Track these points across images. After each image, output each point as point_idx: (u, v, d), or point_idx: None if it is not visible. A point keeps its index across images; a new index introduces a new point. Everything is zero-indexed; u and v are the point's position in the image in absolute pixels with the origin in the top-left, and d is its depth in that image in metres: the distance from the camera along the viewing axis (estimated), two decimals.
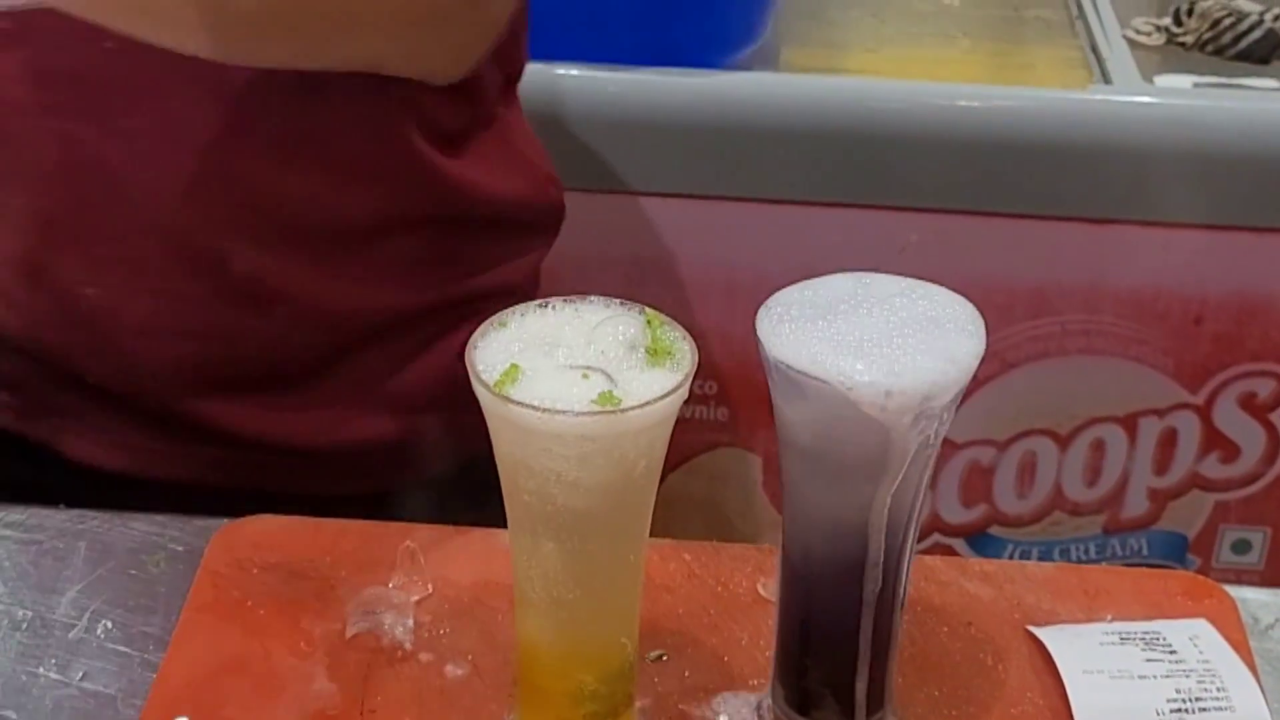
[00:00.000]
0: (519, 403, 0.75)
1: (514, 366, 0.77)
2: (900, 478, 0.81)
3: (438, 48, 1.04)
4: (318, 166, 1.06)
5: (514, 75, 1.19)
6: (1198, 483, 1.90)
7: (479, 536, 1.01)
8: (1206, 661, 0.91)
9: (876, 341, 0.78)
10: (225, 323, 1.09)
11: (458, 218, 1.13)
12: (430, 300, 1.14)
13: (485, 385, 0.76)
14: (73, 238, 1.05)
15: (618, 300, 0.82)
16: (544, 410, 0.75)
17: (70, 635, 0.95)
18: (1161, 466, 1.89)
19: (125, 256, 1.06)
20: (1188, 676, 0.90)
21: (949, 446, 1.86)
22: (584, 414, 0.74)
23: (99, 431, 1.13)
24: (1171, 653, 0.92)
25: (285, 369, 1.11)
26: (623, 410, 0.75)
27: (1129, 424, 1.86)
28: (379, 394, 1.15)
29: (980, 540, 1.93)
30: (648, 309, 0.81)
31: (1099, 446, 1.88)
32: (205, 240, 1.06)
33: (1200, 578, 1.01)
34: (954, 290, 0.83)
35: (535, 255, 1.21)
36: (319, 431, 1.14)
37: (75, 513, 1.05)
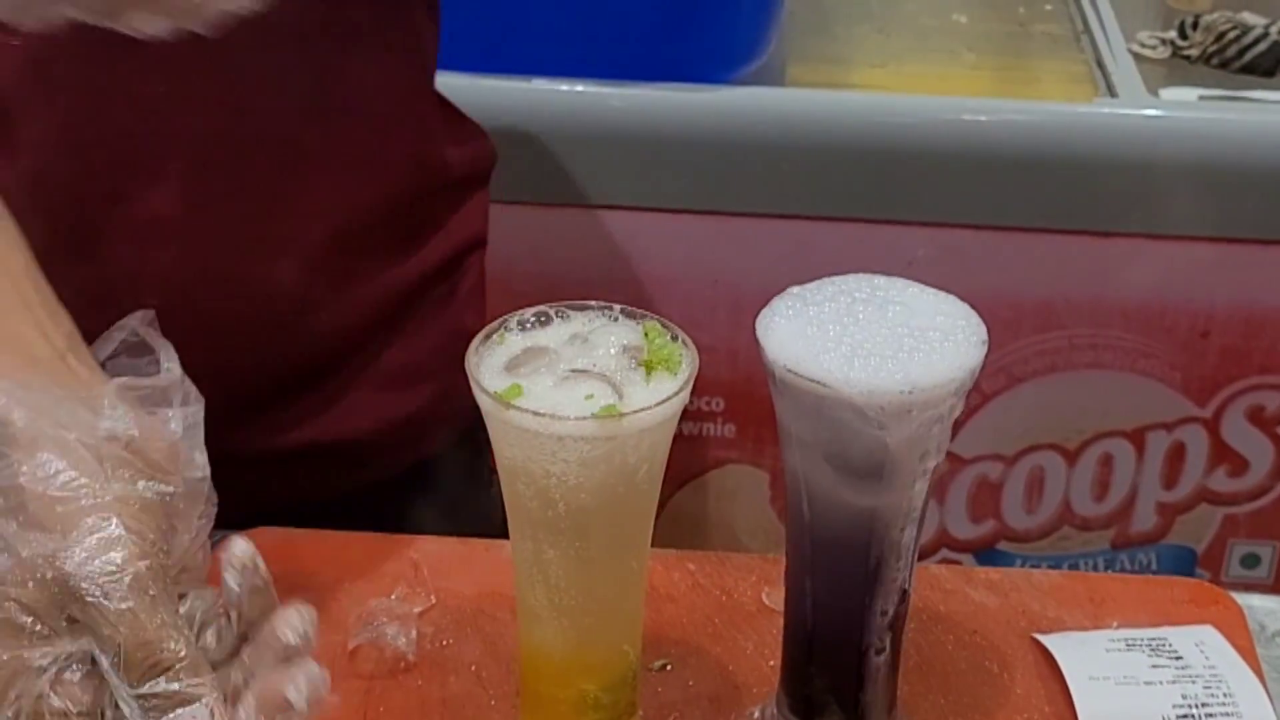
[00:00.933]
0: (520, 408, 0.75)
1: (518, 367, 0.78)
2: (902, 484, 0.80)
3: None
4: (331, 169, 1.07)
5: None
6: (1206, 497, 1.89)
7: (481, 548, 1.00)
8: (1213, 668, 0.91)
9: (876, 345, 0.78)
10: (260, 343, 1.09)
11: (439, 183, 1.15)
12: (424, 269, 1.16)
13: (487, 392, 0.76)
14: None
15: (618, 307, 0.82)
16: (545, 415, 0.74)
17: None
18: (1170, 481, 1.88)
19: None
20: (1194, 683, 0.90)
21: (957, 462, 1.86)
22: (584, 419, 0.74)
23: None
24: (1177, 659, 0.91)
25: (302, 374, 1.12)
26: (623, 415, 0.75)
27: (1137, 438, 1.85)
28: (390, 372, 1.16)
29: (989, 556, 1.92)
30: (647, 320, 0.81)
31: (1107, 461, 1.87)
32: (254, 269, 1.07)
33: (1206, 584, 1.01)
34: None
35: (484, 199, 1.24)
36: (342, 422, 1.14)
37: None
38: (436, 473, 1.20)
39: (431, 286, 1.16)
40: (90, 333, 0.79)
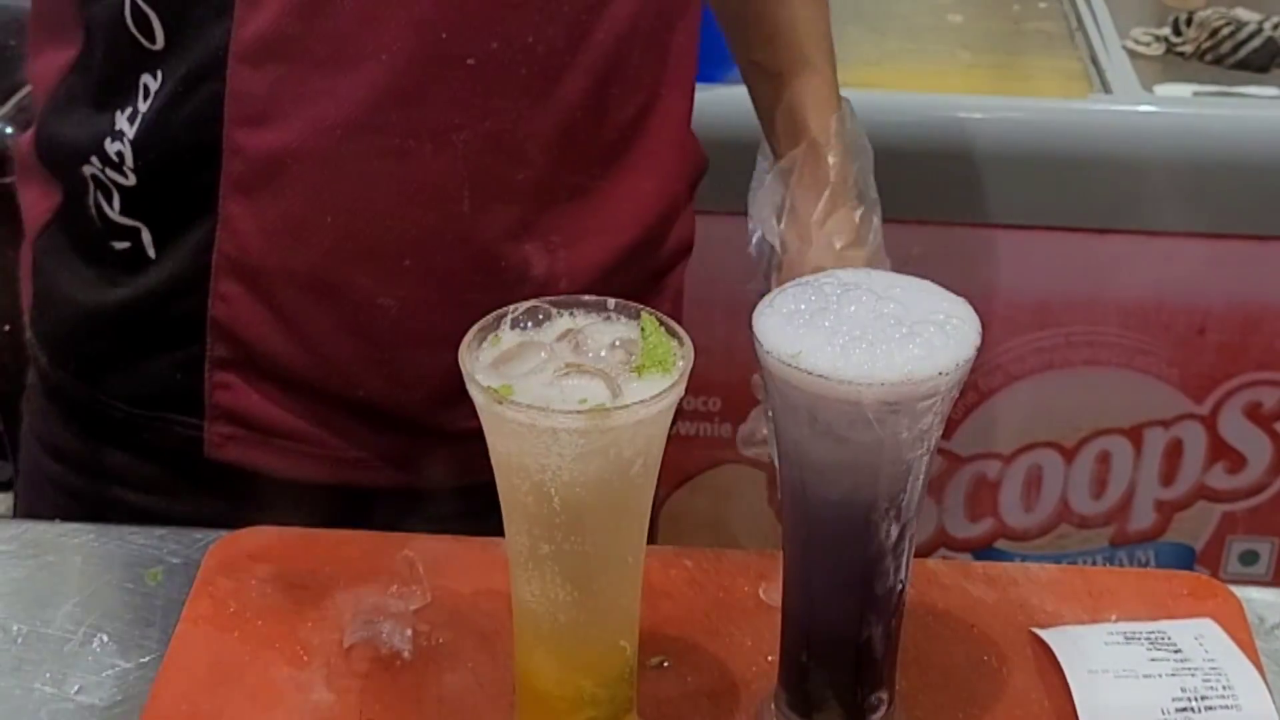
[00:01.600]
0: (515, 403, 0.75)
1: (511, 363, 0.77)
2: (897, 478, 0.80)
3: None
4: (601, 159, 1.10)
5: None
6: (1204, 494, 1.89)
7: (478, 545, 1.00)
8: (1212, 660, 0.91)
9: (871, 338, 0.78)
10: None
11: None
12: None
13: (481, 387, 0.76)
14: (376, 250, 1.06)
15: (613, 302, 0.82)
16: (540, 409, 0.74)
17: (66, 649, 0.95)
18: (1168, 478, 1.88)
19: (423, 266, 1.07)
20: (1193, 675, 0.89)
21: (954, 461, 1.86)
22: (579, 412, 0.74)
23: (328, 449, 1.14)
24: (1176, 652, 0.91)
25: None
26: (617, 408, 0.75)
27: (1134, 435, 1.85)
28: None
29: (987, 555, 1.91)
30: (644, 314, 0.80)
31: (1105, 459, 1.87)
32: (508, 249, 1.08)
33: (1205, 578, 1.00)
34: None
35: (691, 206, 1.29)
36: None
37: (71, 526, 1.04)
38: None
39: (642, 293, 1.15)
40: None
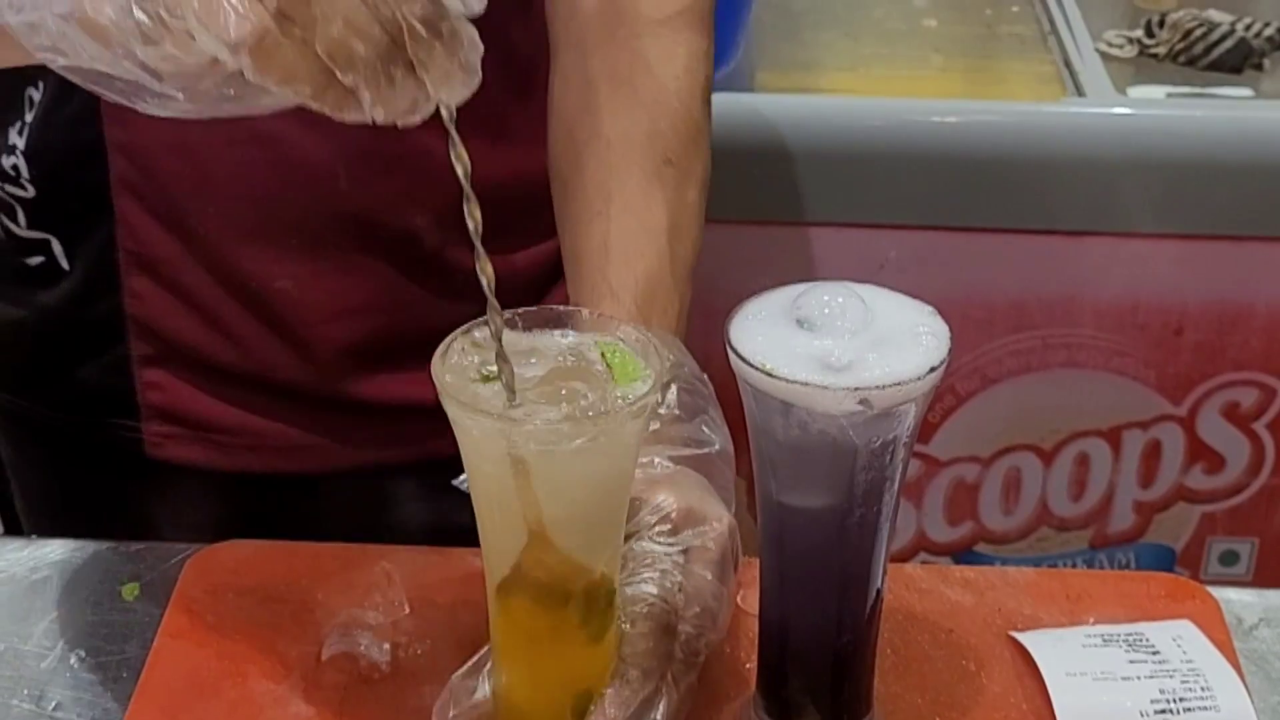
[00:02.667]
0: (486, 412, 0.74)
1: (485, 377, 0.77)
2: (871, 484, 0.80)
3: None
4: (485, 135, 1.05)
5: None
6: (1183, 494, 1.89)
7: (455, 556, 1.00)
8: (1190, 662, 0.91)
9: (844, 349, 0.78)
10: (408, 297, 1.10)
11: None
12: (549, 249, 1.15)
13: (453, 398, 0.76)
14: (263, 233, 1.07)
15: (586, 311, 0.82)
16: (510, 419, 0.74)
17: (43, 665, 0.94)
18: (1146, 479, 1.88)
19: (315, 243, 1.07)
20: (1171, 677, 0.89)
21: (932, 464, 1.86)
22: (551, 422, 0.74)
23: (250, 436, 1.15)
24: (1155, 653, 0.91)
25: (445, 333, 1.11)
26: (590, 416, 0.74)
27: (1113, 437, 1.85)
28: None
29: (967, 558, 1.92)
30: (603, 341, 0.80)
31: (1083, 461, 1.87)
32: (397, 221, 1.08)
33: (1183, 579, 1.00)
34: (933, 306, 0.82)
35: None
36: None
37: (46, 542, 1.04)
38: None
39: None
40: None
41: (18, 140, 1.07)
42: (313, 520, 1.12)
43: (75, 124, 1.05)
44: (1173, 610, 0.97)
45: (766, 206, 1.73)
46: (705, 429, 0.92)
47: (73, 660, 0.95)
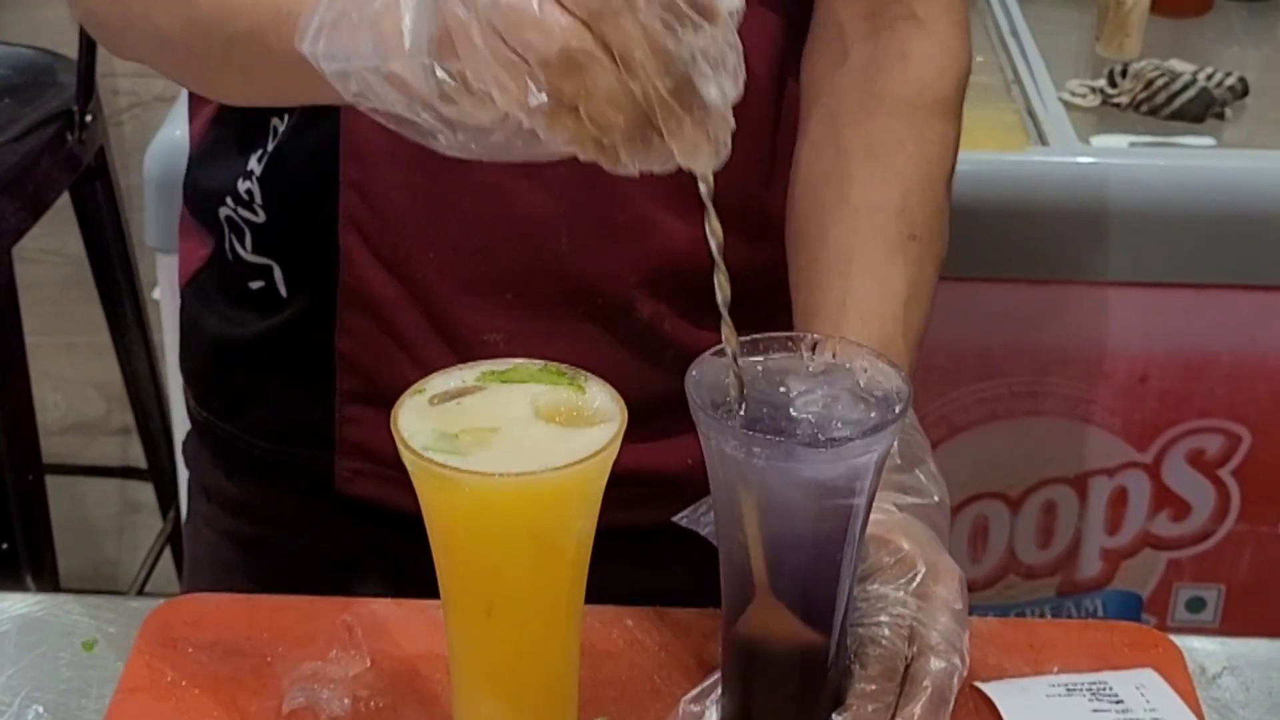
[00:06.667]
0: (441, 464, 0.75)
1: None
2: (827, 538, 0.80)
3: None
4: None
5: None
6: (1150, 541, 1.89)
7: (417, 609, 0.99)
8: (1154, 710, 0.91)
9: (801, 402, 0.79)
10: (616, 365, 1.08)
11: None
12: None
13: (411, 450, 0.76)
14: (480, 285, 1.08)
15: (539, 363, 0.82)
16: (469, 472, 0.74)
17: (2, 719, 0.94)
18: (1113, 526, 1.88)
19: (529, 300, 1.08)
20: None
21: None
22: (509, 475, 0.74)
23: None
24: (1118, 703, 0.91)
25: (653, 405, 1.11)
26: (552, 469, 0.74)
27: (1079, 485, 1.86)
28: None
29: None
30: (540, 406, 0.80)
31: (1050, 508, 1.87)
32: (614, 287, 1.08)
33: (1146, 628, 1.01)
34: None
35: None
36: (669, 462, 1.13)
37: (6, 596, 1.03)
38: None
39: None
40: None
41: (256, 167, 1.10)
42: None
43: (314, 157, 1.07)
44: (1136, 659, 0.97)
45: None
46: (923, 478, 0.97)
47: (30, 715, 0.94)
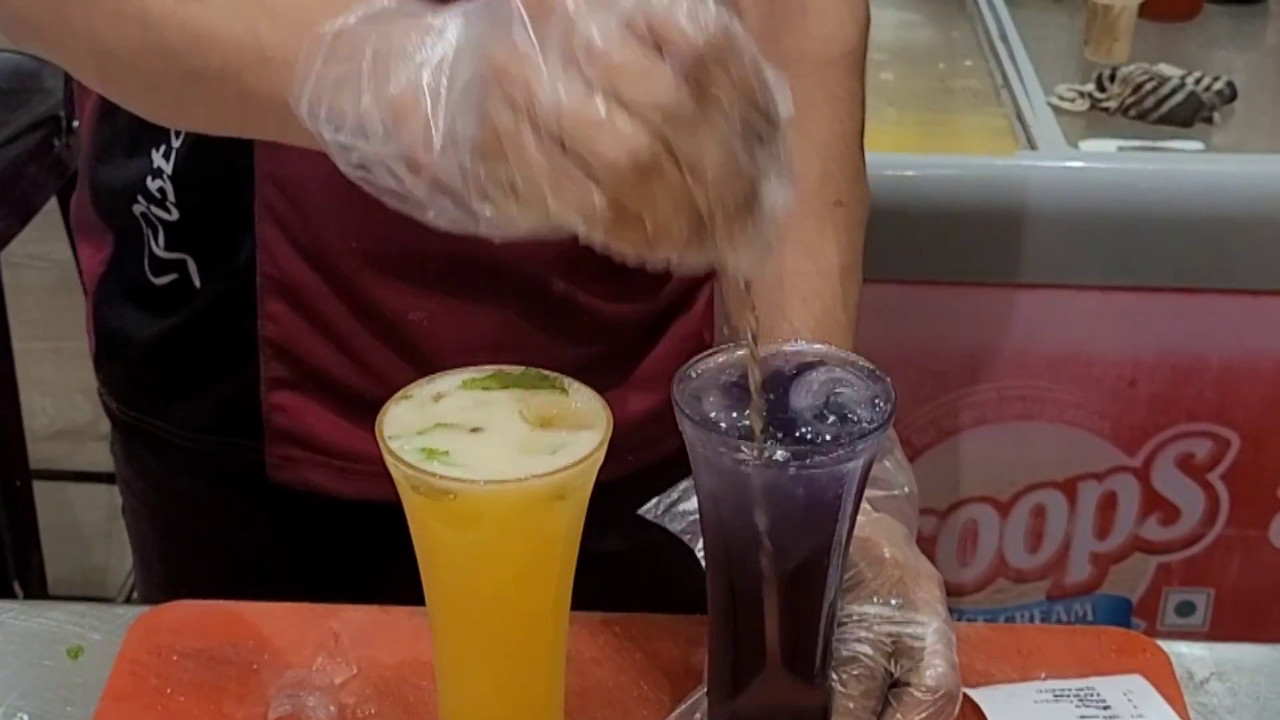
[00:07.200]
0: (428, 472, 0.74)
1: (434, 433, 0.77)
2: (815, 542, 0.80)
3: None
4: None
5: None
6: (1139, 545, 1.89)
7: (403, 616, 0.99)
8: (1141, 716, 0.91)
9: (788, 411, 0.79)
10: (532, 338, 1.11)
11: None
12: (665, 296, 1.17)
13: (395, 455, 0.75)
14: (401, 269, 1.08)
15: (518, 369, 0.82)
16: (453, 479, 0.74)
17: None
18: (1103, 530, 1.88)
19: (451, 281, 1.08)
20: None
21: None
22: (492, 482, 0.74)
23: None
24: (1106, 708, 0.91)
25: (569, 372, 1.11)
26: (538, 476, 0.74)
27: (1069, 489, 1.86)
28: (639, 375, 1.16)
29: None
30: (526, 410, 0.80)
31: (1040, 512, 1.87)
32: (529, 267, 1.09)
33: (1134, 634, 1.00)
34: (888, 359, 0.83)
35: None
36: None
37: None
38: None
39: (678, 304, 1.18)
40: None
41: (164, 164, 1.09)
42: None
43: (227, 151, 1.05)
44: (1124, 665, 0.97)
45: None
46: (890, 467, 0.96)
47: None
